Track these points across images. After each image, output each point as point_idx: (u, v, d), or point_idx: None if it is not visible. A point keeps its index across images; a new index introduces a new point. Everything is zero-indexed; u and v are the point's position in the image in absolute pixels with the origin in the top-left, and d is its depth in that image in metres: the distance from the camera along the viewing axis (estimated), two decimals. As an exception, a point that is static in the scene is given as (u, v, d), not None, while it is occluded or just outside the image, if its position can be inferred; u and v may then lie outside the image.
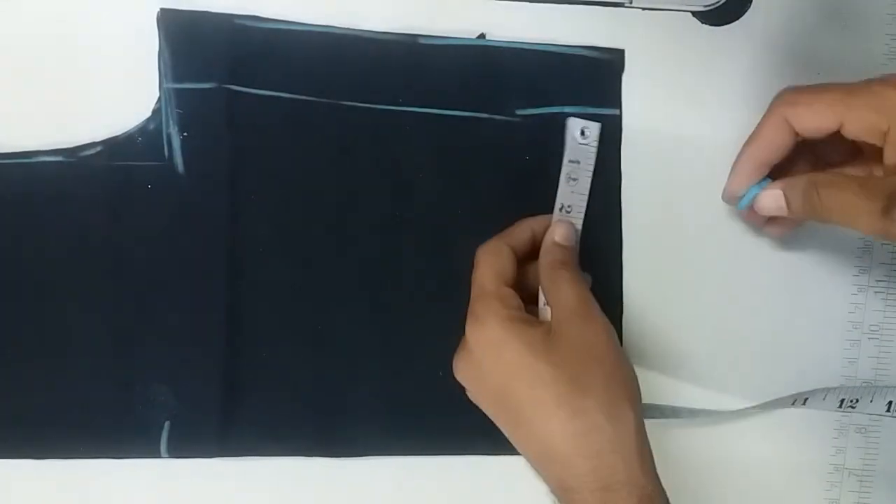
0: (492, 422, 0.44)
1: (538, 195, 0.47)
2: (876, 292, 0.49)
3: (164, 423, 0.48)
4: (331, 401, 0.48)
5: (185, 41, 0.46)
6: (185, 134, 0.46)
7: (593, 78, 0.47)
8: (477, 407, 0.43)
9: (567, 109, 0.47)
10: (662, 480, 0.40)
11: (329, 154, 0.47)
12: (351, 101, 0.47)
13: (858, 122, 0.39)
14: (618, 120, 0.47)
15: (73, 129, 0.46)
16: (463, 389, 0.44)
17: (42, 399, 0.47)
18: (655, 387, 0.49)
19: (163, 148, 0.46)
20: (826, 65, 0.48)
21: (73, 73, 0.46)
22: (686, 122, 0.48)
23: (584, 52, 0.47)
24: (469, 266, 0.44)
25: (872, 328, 0.49)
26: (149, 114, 0.46)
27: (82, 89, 0.46)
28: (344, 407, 0.48)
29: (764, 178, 0.43)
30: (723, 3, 0.47)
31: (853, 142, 0.41)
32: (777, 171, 0.43)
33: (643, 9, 0.47)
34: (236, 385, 0.48)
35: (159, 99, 0.46)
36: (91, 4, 0.46)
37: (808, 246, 0.49)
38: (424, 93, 0.47)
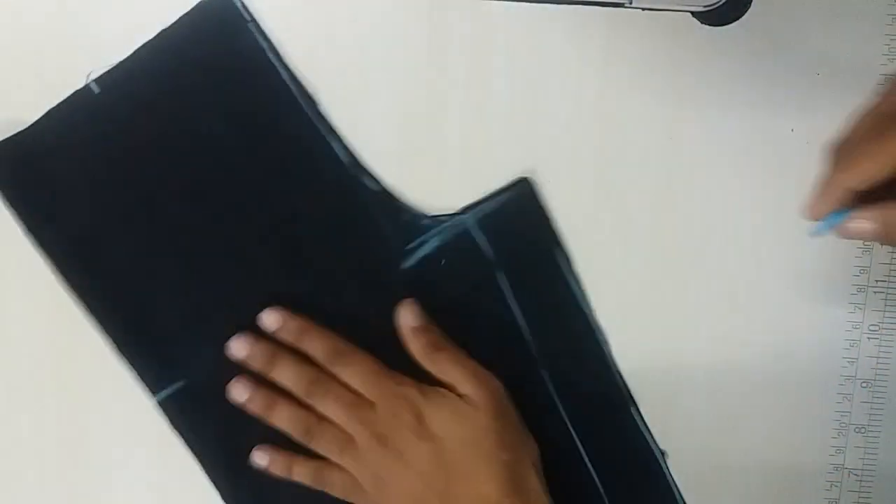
0: None
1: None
2: (876, 292, 0.49)
3: None
4: None
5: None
6: None
7: None
8: None
9: None
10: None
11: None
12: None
13: None
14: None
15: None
16: None
17: None
18: (655, 387, 0.49)
19: None
20: (826, 65, 0.48)
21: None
22: (685, 123, 0.48)
23: None
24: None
25: (872, 328, 0.50)
26: None
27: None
28: None
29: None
30: (722, 4, 0.47)
31: None
32: None
33: (643, 9, 0.47)
34: None
35: None
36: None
37: (808, 246, 0.49)
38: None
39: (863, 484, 0.50)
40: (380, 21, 0.47)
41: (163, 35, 0.46)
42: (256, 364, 0.47)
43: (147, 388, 0.48)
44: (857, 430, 0.50)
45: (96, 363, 0.48)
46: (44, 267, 0.48)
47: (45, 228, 0.47)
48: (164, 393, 0.48)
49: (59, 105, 0.46)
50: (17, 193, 0.47)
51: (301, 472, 0.47)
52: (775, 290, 0.49)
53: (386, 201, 0.48)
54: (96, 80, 0.46)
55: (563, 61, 0.48)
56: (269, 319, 0.47)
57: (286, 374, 0.47)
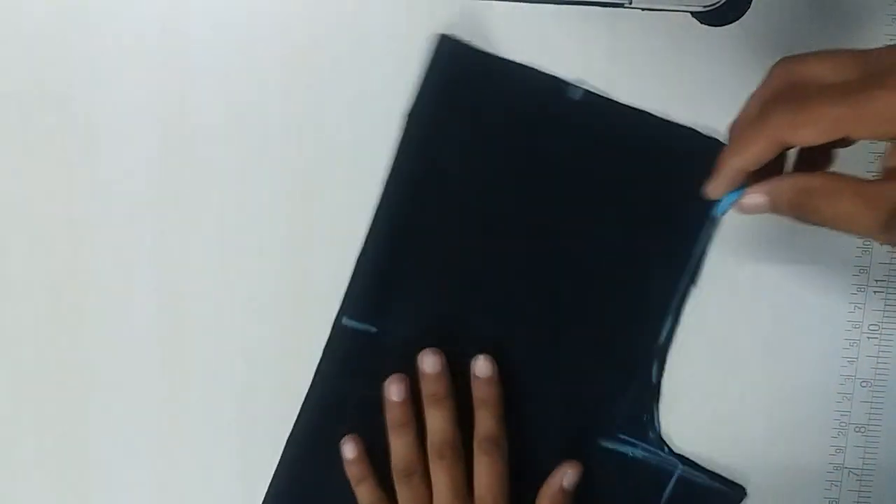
0: None
1: None
2: (875, 292, 0.49)
3: None
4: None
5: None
6: None
7: None
8: None
9: None
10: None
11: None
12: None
13: (866, 134, 0.36)
14: None
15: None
16: None
17: None
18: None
19: None
20: (826, 65, 0.48)
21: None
22: (685, 123, 0.48)
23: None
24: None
25: (872, 328, 0.50)
26: None
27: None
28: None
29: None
30: (722, 4, 0.47)
31: None
32: None
33: (643, 9, 0.47)
34: None
35: None
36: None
37: (807, 245, 0.49)
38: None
39: (863, 484, 0.50)
40: (380, 21, 0.47)
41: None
42: (427, 388, 0.46)
43: (342, 306, 0.48)
44: (857, 429, 0.50)
45: (97, 363, 0.48)
46: (44, 267, 0.48)
47: (427, 128, 0.48)
48: (352, 323, 0.48)
49: (529, 68, 0.48)
50: (447, 88, 0.47)
51: (364, 492, 0.47)
52: (775, 289, 0.49)
53: (643, 392, 0.49)
54: (586, 90, 0.47)
55: (562, 61, 0.48)
56: (481, 368, 0.47)
57: (437, 421, 0.46)
